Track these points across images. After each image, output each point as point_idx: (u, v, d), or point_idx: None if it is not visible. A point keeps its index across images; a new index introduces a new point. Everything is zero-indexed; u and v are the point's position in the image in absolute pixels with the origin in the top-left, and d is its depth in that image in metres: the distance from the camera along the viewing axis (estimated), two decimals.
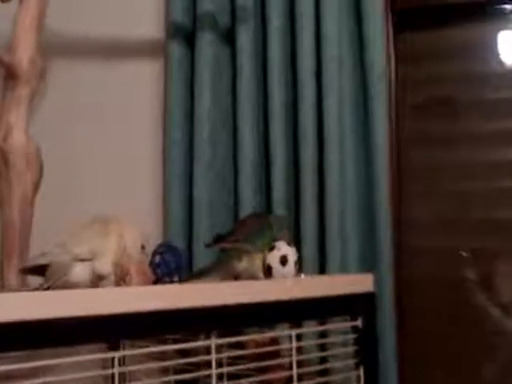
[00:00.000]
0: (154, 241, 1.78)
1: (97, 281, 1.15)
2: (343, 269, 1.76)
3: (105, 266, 1.15)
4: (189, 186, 1.88)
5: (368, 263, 1.78)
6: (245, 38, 1.87)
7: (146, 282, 1.18)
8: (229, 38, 1.92)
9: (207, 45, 1.89)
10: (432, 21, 2.02)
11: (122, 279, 1.16)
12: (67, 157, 2.02)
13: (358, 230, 1.81)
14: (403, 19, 2.01)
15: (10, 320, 0.97)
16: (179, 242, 1.84)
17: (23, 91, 1.51)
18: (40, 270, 1.16)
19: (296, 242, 1.81)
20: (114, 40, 2.03)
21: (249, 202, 1.82)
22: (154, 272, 1.25)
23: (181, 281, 1.35)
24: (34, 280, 1.29)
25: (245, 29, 1.87)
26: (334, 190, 1.77)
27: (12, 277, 1.42)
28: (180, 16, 1.93)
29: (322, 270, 1.78)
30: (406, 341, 1.87)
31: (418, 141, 2.02)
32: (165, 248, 1.27)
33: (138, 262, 1.19)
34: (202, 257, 1.80)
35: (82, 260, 1.14)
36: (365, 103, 1.84)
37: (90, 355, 1.06)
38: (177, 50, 1.93)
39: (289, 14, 1.87)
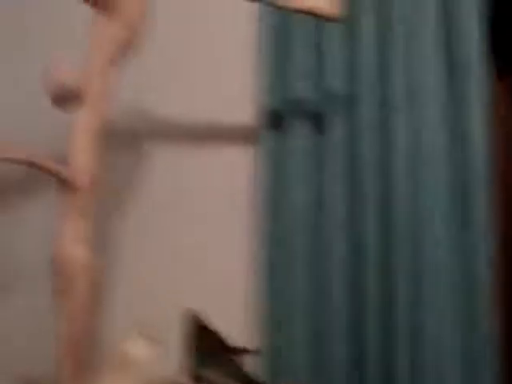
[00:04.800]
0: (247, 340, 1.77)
1: None
2: None
3: None
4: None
5: None
6: (336, 130, 1.81)
7: None
8: (321, 128, 1.84)
9: (299, 135, 1.83)
10: None
11: None
12: (150, 248, 1.99)
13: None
14: None
15: None
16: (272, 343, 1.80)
17: (81, 204, 1.50)
18: None
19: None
20: (205, 126, 1.99)
21: (340, 305, 1.76)
22: None
23: None
24: None
25: (336, 120, 1.81)
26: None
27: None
28: (272, 104, 1.88)
29: None
30: None
31: None
32: None
33: None
34: (299, 359, 1.76)
35: None
36: (463, 201, 1.73)
37: None
38: (268, 138, 1.88)
39: (383, 105, 1.78)
